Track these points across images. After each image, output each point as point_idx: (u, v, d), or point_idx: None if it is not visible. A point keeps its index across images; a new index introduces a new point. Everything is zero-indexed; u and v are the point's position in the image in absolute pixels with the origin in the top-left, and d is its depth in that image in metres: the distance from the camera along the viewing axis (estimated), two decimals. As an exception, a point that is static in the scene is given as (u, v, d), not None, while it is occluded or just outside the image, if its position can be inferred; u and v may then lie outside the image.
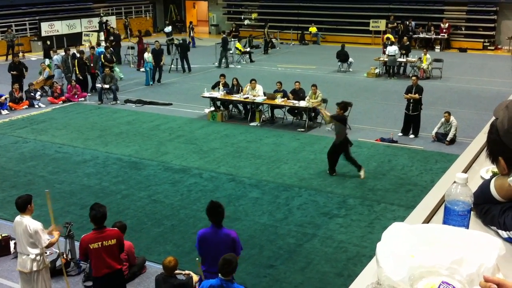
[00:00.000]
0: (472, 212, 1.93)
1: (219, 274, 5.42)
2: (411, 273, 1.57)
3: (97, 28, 30.08)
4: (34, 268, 6.61)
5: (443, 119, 13.88)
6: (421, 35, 29.68)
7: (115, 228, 6.47)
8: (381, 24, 30.00)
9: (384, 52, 23.23)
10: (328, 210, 10.03)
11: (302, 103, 15.31)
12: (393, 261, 1.63)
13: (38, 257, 6.63)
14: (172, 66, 23.98)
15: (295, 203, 10.35)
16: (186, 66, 23.77)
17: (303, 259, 8.34)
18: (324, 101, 15.66)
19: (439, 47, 29.33)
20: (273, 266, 8.15)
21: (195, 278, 6.99)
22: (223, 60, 25.13)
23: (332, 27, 33.11)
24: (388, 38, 24.76)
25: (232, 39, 27.44)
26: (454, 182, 1.87)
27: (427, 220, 2.15)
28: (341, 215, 9.80)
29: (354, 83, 21.52)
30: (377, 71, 22.66)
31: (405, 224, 1.81)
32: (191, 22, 33.40)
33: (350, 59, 23.70)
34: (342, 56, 23.64)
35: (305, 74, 22.27)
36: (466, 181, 1.85)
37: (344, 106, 11.76)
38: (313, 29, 32.81)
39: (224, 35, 25.95)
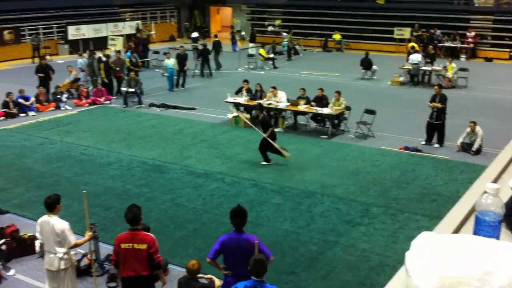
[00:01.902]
0: (502, 223, 1.93)
1: (252, 276, 5.43)
2: (441, 283, 1.58)
3: (124, 33, 30.51)
4: (62, 267, 6.70)
5: (468, 129, 13.74)
6: (446, 44, 29.42)
7: (150, 234, 6.34)
8: (406, 32, 29.81)
9: (407, 60, 23.08)
10: (350, 218, 10.00)
11: (325, 110, 15.30)
12: (423, 271, 1.64)
13: (65, 256, 6.71)
14: (196, 71, 24.18)
15: (318, 210, 10.33)
16: (207, 71, 23.96)
17: (325, 267, 8.32)
18: (348, 108, 15.62)
19: (464, 56, 29.04)
20: (294, 273, 8.15)
21: (218, 282, 7.02)
22: (209, 66, 24.06)
23: (356, 34, 33.01)
24: (413, 47, 24.59)
25: (254, 45, 27.57)
26: (485, 192, 1.88)
27: (456, 230, 2.15)
28: (364, 224, 9.76)
29: (378, 90, 21.42)
30: (401, 79, 22.53)
31: (434, 234, 1.81)
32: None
33: (374, 67, 23.61)
34: (366, 64, 23.58)
35: (328, 81, 22.24)
36: (497, 191, 1.85)
37: (260, 107, 13.29)
38: (337, 36, 32.77)
39: (216, 39, 25.87)
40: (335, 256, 8.63)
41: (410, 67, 22.32)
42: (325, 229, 9.57)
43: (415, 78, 22.33)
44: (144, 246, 6.20)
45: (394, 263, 8.29)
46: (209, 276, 7.32)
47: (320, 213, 10.23)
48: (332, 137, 15.12)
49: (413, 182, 11.76)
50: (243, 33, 34.44)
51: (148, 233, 6.38)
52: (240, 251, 6.06)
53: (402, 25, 30.58)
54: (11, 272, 8.22)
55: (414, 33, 29.60)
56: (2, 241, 8.70)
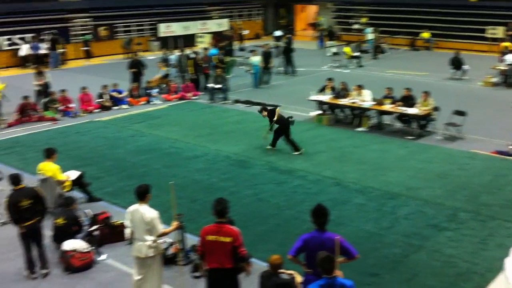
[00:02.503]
0: None
1: (322, 274, 5.45)
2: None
3: (211, 30, 31.28)
4: (150, 254, 6.97)
5: None
6: (545, 44, 27.73)
7: (235, 228, 6.47)
8: (499, 31, 28.37)
9: (501, 61, 21.99)
10: (437, 222, 9.71)
11: (412, 110, 14.91)
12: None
13: (153, 244, 6.97)
14: (280, 68, 24.33)
15: (402, 212, 10.12)
16: (290, 68, 24.08)
17: (409, 271, 8.15)
18: (436, 109, 15.14)
19: None
20: (377, 274, 8.04)
21: (299, 279, 7.05)
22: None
23: (446, 33, 31.84)
24: (506, 47, 23.41)
25: (334, 43, 27.31)
26: None
27: None
28: (451, 229, 9.44)
29: (468, 91, 20.58)
30: (494, 80, 21.51)
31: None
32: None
33: (465, 66, 22.70)
34: (456, 63, 22.72)
35: (416, 81, 21.65)
36: None
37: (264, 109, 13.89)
38: (425, 35, 31.81)
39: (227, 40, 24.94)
40: (420, 261, 8.42)
41: (505, 68, 21.25)
42: (409, 232, 9.35)
43: (510, 79, 21.24)
44: (229, 239, 6.32)
45: (483, 271, 7.97)
46: (290, 272, 7.36)
47: (405, 215, 10.01)
48: (418, 138, 14.72)
49: (505, 188, 11.22)
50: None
51: (233, 227, 6.49)
52: (323, 250, 6.05)
53: (495, 23, 29.17)
54: (103, 256, 8.65)
55: (509, 32, 28.14)
56: (95, 227, 9.18)
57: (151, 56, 28.87)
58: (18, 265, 8.30)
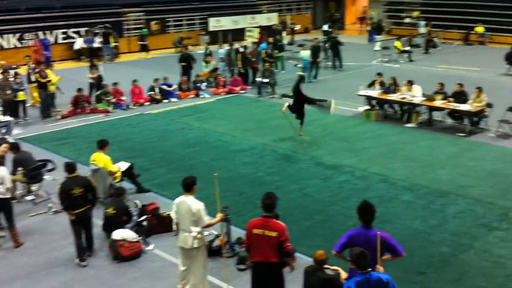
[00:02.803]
0: None
1: (358, 270, 5.43)
2: None
3: (260, 25, 31.32)
4: (195, 245, 7.09)
5: None
6: None
7: (281, 223, 6.49)
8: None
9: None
10: (487, 221, 9.47)
11: (464, 107, 14.55)
12: None
13: (198, 235, 7.09)
14: (328, 63, 24.17)
15: (451, 211, 9.91)
16: (338, 63, 23.87)
17: (457, 270, 7.99)
18: (489, 105, 14.71)
19: None
20: (424, 273, 7.92)
21: (343, 275, 7.03)
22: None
23: (501, 27, 30.79)
24: None
25: (382, 38, 26.83)
26: None
27: None
28: (502, 229, 9.19)
29: (524, 88, 19.89)
30: (552, 76, 20.71)
31: None
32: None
33: (522, 62, 21.93)
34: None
35: (468, 76, 21.08)
36: None
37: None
38: (479, 29, 30.89)
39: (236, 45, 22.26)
40: (469, 260, 8.25)
41: None
42: (458, 231, 9.16)
43: None
44: (274, 234, 6.36)
45: (535, 273, 7.74)
46: (335, 267, 7.34)
47: (454, 214, 9.81)
48: (470, 135, 14.35)
49: (561, 189, 10.83)
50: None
51: (279, 222, 6.52)
52: (368, 247, 6.02)
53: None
54: (150, 247, 8.86)
55: None
56: (144, 217, 9.42)
57: (201, 50, 29.20)
58: (69, 252, 8.61)
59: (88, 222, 8.52)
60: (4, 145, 9.42)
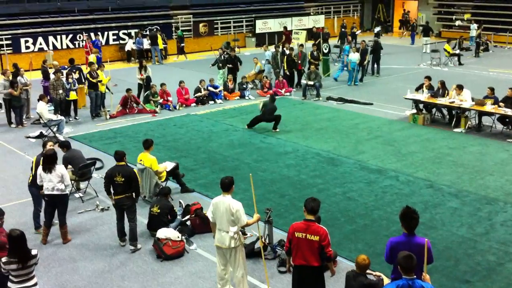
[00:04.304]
0: None
1: (403, 273, 5.36)
2: None
3: (306, 27, 31.23)
4: (232, 245, 7.12)
5: None
6: None
7: (323, 227, 6.47)
8: None
9: None
10: (537, 231, 9.18)
11: (516, 112, 14.13)
12: None
13: (235, 235, 7.12)
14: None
15: (499, 219, 9.65)
16: (376, 67, 23.18)
17: (504, 279, 7.78)
18: (542, 111, 14.24)
19: None
20: (469, 281, 7.74)
21: (386, 281, 6.95)
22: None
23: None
24: None
25: (428, 40, 26.19)
26: None
27: None
28: (552, 239, 8.89)
29: None
30: None
31: None
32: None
33: None
34: None
35: (522, 81, 20.42)
36: None
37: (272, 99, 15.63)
38: (534, 32, 29.87)
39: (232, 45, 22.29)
40: (516, 270, 8.02)
41: None
42: (506, 239, 8.91)
43: None
44: (316, 238, 6.34)
45: None
46: (378, 273, 7.29)
47: (502, 222, 9.54)
48: (521, 142, 13.94)
49: None
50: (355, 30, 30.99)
51: (321, 226, 6.50)
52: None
53: None
54: (193, 246, 8.98)
55: None
56: (187, 217, 9.56)
57: (247, 52, 29.39)
58: (114, 251, 8.88)
59: (127, 210, 8.83)
60: (50, 143, 9.71)
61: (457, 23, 34.09)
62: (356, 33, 29.92)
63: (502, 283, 7.70)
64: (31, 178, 9.28)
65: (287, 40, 26.76)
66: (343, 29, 29.67)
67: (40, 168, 8.83)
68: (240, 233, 7.26)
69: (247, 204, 7.25)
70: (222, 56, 20.63)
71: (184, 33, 29.21)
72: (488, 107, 14.70)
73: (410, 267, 5.31)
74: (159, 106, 17.66)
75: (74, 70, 17.85)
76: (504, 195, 10.68)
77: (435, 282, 7.23)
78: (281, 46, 22.89)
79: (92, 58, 21.00)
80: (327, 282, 7.03)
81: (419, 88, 16.82)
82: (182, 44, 28.61)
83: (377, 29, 30.46)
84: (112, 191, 8.81)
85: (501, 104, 14.73)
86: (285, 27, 29.59)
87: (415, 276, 5.36)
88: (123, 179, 8.66)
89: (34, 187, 9.15)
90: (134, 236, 8.85)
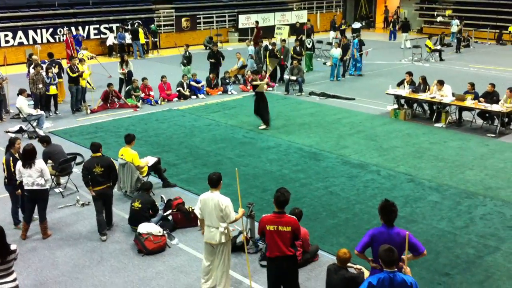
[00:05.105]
0: None
1: (384, 266, 5.39)
2: None
3: (289, 22, 31.23)
4: (222, 240, 7.11)
5: None
6: None
7: (293, 217, 6.55)
8: None
9: None
10: (515, 224, 9.31)
11: (495, 107, 14.30)
12: None
13: (225, 231, 7.11)
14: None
15: (478, 212, 9.77)
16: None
17: (482, 272, 7.88)
18: (521, 106, 14.43)
19: None
20: (448, 274, 7.83)
21: (367, 274, 7.01)
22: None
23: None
24: None
25: (407, 36, 26.38)
26: None
27: None
28: (531, 232, 9.02)
29: (558, 89, 19.40)
30: None
31: None
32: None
33: (557, 63, 21.43)
34: (547, 59, 21.48)
35: (501, 77, 20.69)
36: None
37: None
38: (514, 28, 30.26)
39: (213, 48, 21.05)
40: (495, 263, 8.12)
41: None
42: (485, 232, 9.03)
43: None
44: (288, 229, 6.39)
45: None
46: (358, 266, 7.34)
47: (481, 215, 9.66)
48: (500, 136, 14.11)
49: None
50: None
51: (292, 216, 6.56)
52: (391, 245, 5.97)
53: None
54: (175, 241, 8.94)
55: None
56: (169, 212, 9.53)
57: (230, 47, 29.32)
58: (95, 245, 8.81)
59: (108, 200, 9.11)
60: (18, 141, 9.52)
61: (439, 19, 34.40)
62: (341, 28, 30.06)
63: (481, 276, 7.79)
64: (5, 178, 9.16)
65: (258, 35, 26.69)
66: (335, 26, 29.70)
67: (19, 163, 8.73)
68: (229, 227, 7.24)
69: (231, 199, 7.22)
70: (187, 52, 20.39)
71: (165, 28, 29.03)
72: (469, 102, 14.85)
73: (391, 261, 5.35)
74: (140, 100, 17.54)
75: (53, 64, 17.64)
76: (484, 189, 10.81)
77: (415, 274, 7.30)
78: (255, 42, 22.95)
79: (85, 54, 20.73)
80: (309, 276, 7.07)
81: (400, 84, 16.93)
82: (155, 39, 28.41)
83: (356, 25, 30.50)
84: (90, 184, 8.89)
85: (481, 99, 14.89)
86: (256, 22, 29.41)
87: (396, 269, 5.40)
88: (102, 169, 8.86)
89: (10, 185, 9.11)
90: (111, 221, 9.25)
